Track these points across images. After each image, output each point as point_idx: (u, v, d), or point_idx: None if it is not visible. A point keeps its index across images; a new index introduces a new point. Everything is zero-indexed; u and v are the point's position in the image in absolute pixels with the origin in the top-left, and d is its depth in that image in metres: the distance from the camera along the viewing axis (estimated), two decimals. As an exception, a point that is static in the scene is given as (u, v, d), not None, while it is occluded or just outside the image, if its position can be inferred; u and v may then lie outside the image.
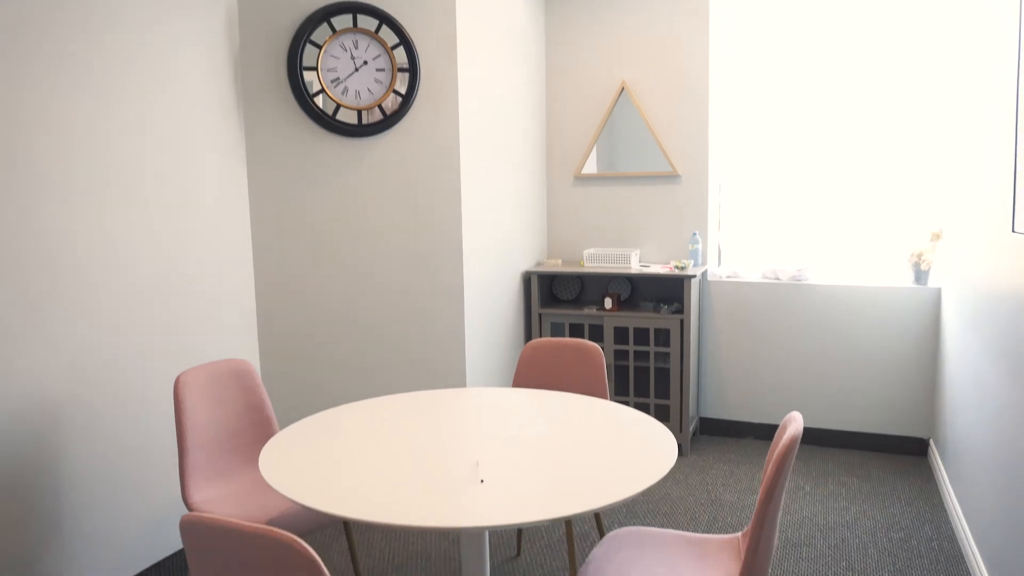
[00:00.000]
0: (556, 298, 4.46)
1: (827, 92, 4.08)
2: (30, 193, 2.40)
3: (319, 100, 3.31)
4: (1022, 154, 2.25)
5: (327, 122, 3.30)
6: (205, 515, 1.37)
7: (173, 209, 2.94)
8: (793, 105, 4.14)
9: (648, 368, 4.28)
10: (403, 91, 3.24)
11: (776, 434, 1.88)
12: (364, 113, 3.28)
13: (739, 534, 2.14)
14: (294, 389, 3.56)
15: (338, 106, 3.28)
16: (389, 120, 3.26)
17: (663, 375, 4.25)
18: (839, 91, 4.06)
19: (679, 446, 4.07)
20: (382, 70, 3.24)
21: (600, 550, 2.07)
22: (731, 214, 4.33)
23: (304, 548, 1.30)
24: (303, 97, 3.29)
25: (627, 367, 4.25)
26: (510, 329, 3.98)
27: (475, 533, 2.12)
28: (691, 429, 4.11)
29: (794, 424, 1.79)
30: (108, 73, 2.65)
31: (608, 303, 4.10)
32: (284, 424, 3.58)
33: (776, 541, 3.14)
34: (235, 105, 3.29)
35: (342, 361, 3.50)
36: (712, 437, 4.36)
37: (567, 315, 4.16)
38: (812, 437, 4.20)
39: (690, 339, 3.99)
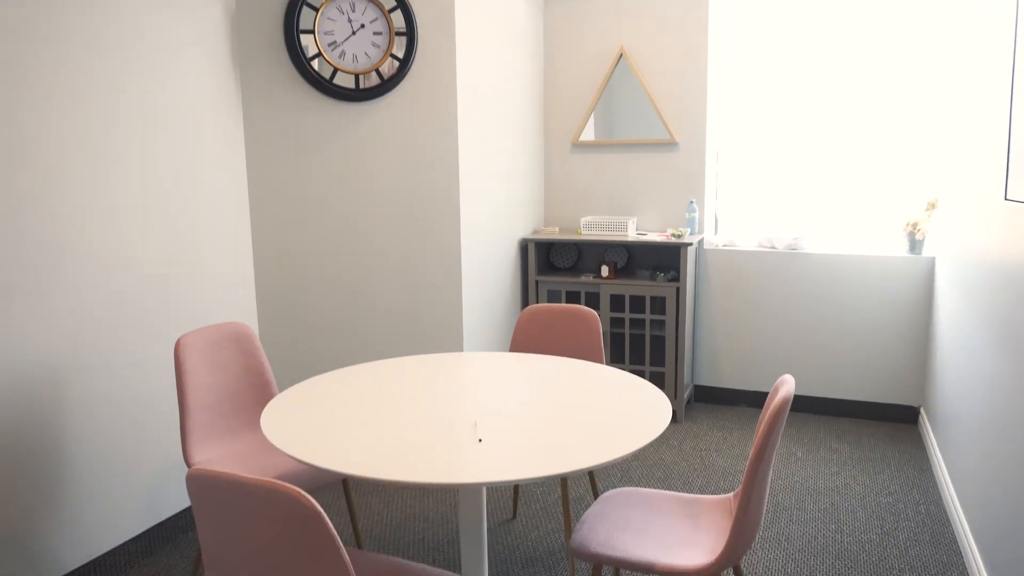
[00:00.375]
0: (553, 266, 4.48)
1: (825, 62, 4.06)
2: (32, 162, 2.39)
3: (316, 64, 3.29)
4: (1016, 121, 2.26)
5: (324, 86, 3.29)
6: (211, 469, 1.40)
7: (170, 174, 2.94)
8: (791, 75, 4.13)
9: (644, 336, 4.31)
10: (400, 55, 3.23)
11: (769, 396, 1.91)
12: (361, 77, 3.27)
13: (731, 495, 2.19)
14: (292, 353, 3.59)
15: (335, 70, 3.27)
16: (387, 85, 3.25)
17: (658, 343, 4.28)
18: (837, 61, 4.04)
19: (673, 412, 4.12)
20: (379, 34, 3.22)
21: (595, 510, 2.12)
22: (728, 182, 4.34)
23: (308, 501, 1.33)
24: (300, 61, 3.27)
25: (623, 335, 4.28)
26: (507, 296, 4.00)
27: (473, 490, 2.16)
28: (685, 396, 4.16)
29: (786, 386, 1.83)
30: (105, 43, 2.64)
31: (605, 271, 4.12)
32: (283, 388, 3.61)
33: (766, 501, 3.20)
34: (231, 69, 3.27)
35: (340, 326, 3.52)
36: (706, 404, 4.41)
37: (564, 283, 4.18)
38: (805, 405, 4.25)
39: (686, 307, 4.02)
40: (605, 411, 2.06)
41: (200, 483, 1.41)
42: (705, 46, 4.15)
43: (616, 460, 1.75)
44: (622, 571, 2.69)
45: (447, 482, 1.64)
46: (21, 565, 2.42)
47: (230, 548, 1.47)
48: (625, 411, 2.05)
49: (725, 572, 2.68)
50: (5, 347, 2.35)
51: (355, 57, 3.25)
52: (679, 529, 2.03)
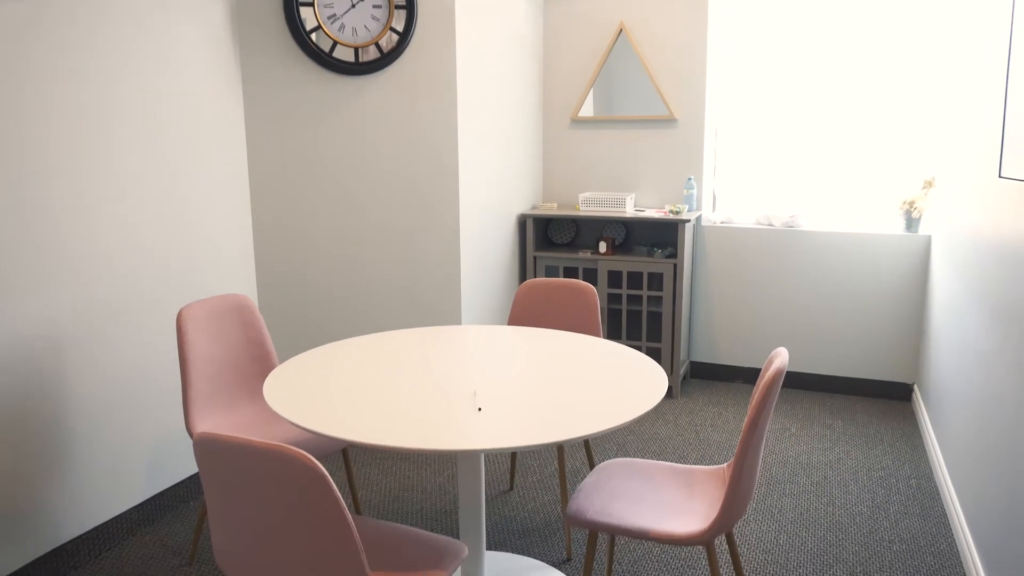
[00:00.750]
0: (551, 241, 4.50)
1: (824, 41, 4.06)
2: (34, 137, 2.40)
3: (315, 37, 3.29)
4: (1011, 99, 2.27)
5: (324, 60, 3.28)
6: (218, 433, 1.43)
7: (170, 147, 2.94)
8: (790, 53, 4.12)
9: (641, 312, 4.35)
10: (400, 29, 3.22)
11: (763, 367, 1.94)
12: (360, 51, 3.26)
13: (724, 465, 2.23)
14: (291, 326, 3.61)
15: (335, 43, 3.26)
16: (386, 58, 3.24)
17: (655, 319, 4.31)
18: (836, 40, 4.04)
19: (669, 388, 4.16)
20: (379, 7, 3.21)
21: (591, 479, 2.16)
22: (727, 160, 4.35)
23: (314, 464, 1.36)
24: (299, 34, 3.27)
25: (620, 311, 4.31)
26: (505, 272, 4.02)
27: (472, 457, 2.20)
28: (682, 372, 4.20)
29: (780, 358, 1.86)
30: (104, 22, 2.63)
31: (603, 247, 4.14)
32: (282, 360, 3.64)
33: (759, 471, 3.25)
34: (231, 43, 3.27)
35: (338, 299, 3.54)
36: (702, 381, 4.46)
37: (562, 258, 4.20)
38: (800, 381, 4.29)
39: (683, 284, 4.05)
40: (602, 382, 2.09)
41: (208, 447, 1.44)
42: (705, 23, 4.14)
43: (613, 429, 1.79)
44: (617, 538, 2.74)
45: (448, 448, 1.67)
46: (24, 533, 2.46)
47: (236, 511, 1.51)
48: (622, 383, 2.08)
49: (718, 540, 2.73)
50: (8, 320, 2.37)
51: (355, 30, 3.24)
52: (673, 498, 2.07)
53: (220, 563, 1.64)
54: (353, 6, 3.22)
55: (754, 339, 4.33)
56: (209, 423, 2.49)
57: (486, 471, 3.32)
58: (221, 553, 1.62)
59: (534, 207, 4.41)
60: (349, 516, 1.42)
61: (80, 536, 2.64)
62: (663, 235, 4.38)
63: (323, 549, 1.46)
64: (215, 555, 1.65)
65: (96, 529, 2.69)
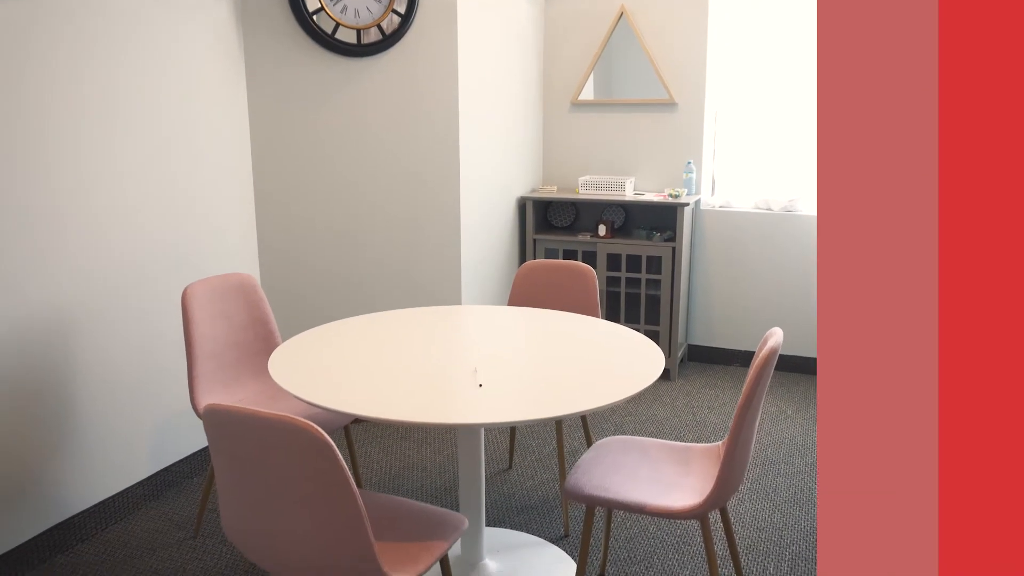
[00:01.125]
0: (550, 224, 4.53)
1: (826, 22, 4.06)
2: (38, 122, 2.42)
3: (317, 18, 3.30)
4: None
5: (326, 41, 3.30)
6: (227, 404, 1.47)
7: (174, 128, 2.96)
8: (791, 37, 4.13)
9: (639, 295, 4.38)
10: (402, 11, 3.23)
11: (758, 347, 1.98)
12: (362, 33, 3.28)
13: (719, 443, 2.27)
14: (293, 306, 3.65)
15: (337, 25, 3.27)
16: (388, 40, 3.26)
17: (654, 302, 4.35)
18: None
19: (666, 370, 4.21)
20: (382, -11, 3.22)
21: (589, 455, 2.20)
22: (726, 144, 4.37)
23: (320, 434, 1.39)
24: (302, 15, 3.28)
25: (619, 293, 4.35)
26: (505, 254, 4.06)
27: (473, 432, 2.24)
28: (679, 355, 4.24)
29: (774, 338, 1.89)
30: (105, 4, 2.65)
31: (602, 230, 4.17)
32: (284, 339, 3.68)
33: (754, 450, 3.30)
34: (233, 24, 3.28)
35: (340, 279, 3.58)
36: (699, 364, 4.50)
37: (561, 241, 4.23)
38: (797, 364, 4.34)
39: (681, 267, 4.08)
40: (601, 360, 2.13)
41: (217, 419, 1.48)
42: (706, 7, 4.14)
43: (611, 405, 1.83)
44: (614, 515, 2.79)
45: (449, 422, 1.71)
46: (33, 507, 2.51)
47: (244, 482, 1.55)
48: (620, 361, 2.12)
49: (713, 519, 2.78)
50: (13, 303, 2.40)
51: (356, 12, 3.26)
52: (670, 474, 2.11)
53: (228, 533, 1.68)
54: (355, -12, 3.23)
55: (752, 323, 4.37)
56: (214, 400, 2.53)
57: (485, 450, 3.37)
58: (229, 524, 1.66)
59: (534, 190, 4.43)
60: (355, 486, 1.46)
61: (86, 510, 2.68)
62: (662, 219, 4.41)
63: (329, 519, 1.50)
64: (223, 526, 1.70)
65: (102, 503, 2.74)
